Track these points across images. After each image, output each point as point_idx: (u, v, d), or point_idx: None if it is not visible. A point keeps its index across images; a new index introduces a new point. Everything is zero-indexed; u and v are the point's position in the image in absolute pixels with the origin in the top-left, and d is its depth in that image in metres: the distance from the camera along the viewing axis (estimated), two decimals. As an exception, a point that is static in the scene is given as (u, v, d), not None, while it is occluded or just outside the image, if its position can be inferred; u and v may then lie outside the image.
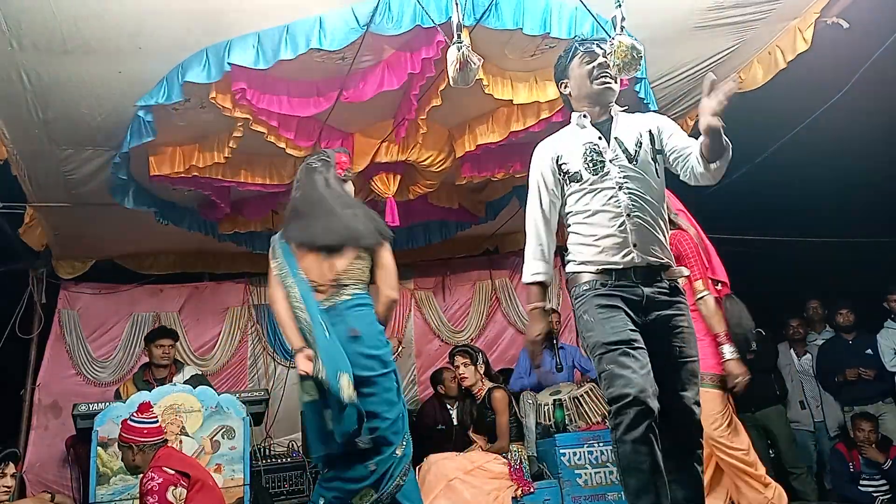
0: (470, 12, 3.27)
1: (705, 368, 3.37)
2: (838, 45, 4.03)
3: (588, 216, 2.38)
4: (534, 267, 2.47)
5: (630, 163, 2.39)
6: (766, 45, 4.14)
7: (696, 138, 2.30)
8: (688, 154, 2.33)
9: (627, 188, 2.36)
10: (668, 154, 2.43)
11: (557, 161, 2.46)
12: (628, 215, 2.34)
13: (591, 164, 2.39)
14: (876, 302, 5.90)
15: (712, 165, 2.23)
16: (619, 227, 2.34)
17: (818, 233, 6.29)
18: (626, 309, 2.28)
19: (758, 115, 5.02)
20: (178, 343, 5.50)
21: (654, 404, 2.14)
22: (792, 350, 6.11)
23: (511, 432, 4.55)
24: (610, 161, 2.39)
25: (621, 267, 2.32)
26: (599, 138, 2.43)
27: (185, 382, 4.85)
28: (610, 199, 2.35)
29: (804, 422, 5.94)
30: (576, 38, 2.60)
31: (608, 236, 2.34)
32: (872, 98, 4.60)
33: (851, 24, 3.90)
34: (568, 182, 2.43)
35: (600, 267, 2.33)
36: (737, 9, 3.76)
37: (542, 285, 2.47)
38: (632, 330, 2.25)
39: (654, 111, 3.90)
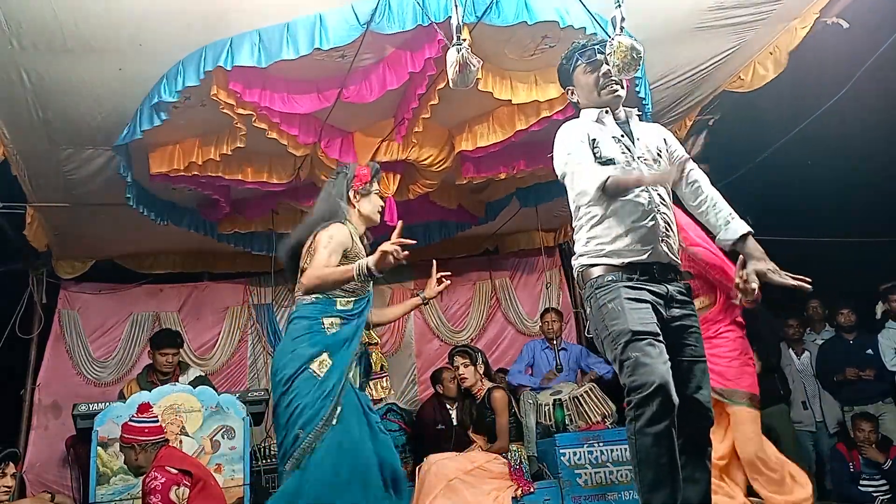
0: (471, 11, 3.27)
1: (742, 387, 3.36)
2: (838, 45, 4.03)
3: (616, 210, 2.34)
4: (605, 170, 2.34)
5: (654, 163, 2.41)
6: (767, 46, 4.14)
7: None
8: (695, 186, 2.45)
9: (654, 186, 2.37)
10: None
11: (591, 142, 2.41)
12: (658, 210, 2.35)
13: (622, 155, 2.39)
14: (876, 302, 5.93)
15: None
16: (650, 220, 2.33)
17: (818, 233, 6.28)
18: (653, 304, 2.28)
19: (758, 114, 5.03)
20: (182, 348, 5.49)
21: (676, 398, 2.13)
22: (790, 350, 6.11)
23: (511, 432, 4.54)
24: (637, 158, 2.39)
25: (646, 262, 2.31)
26: (622, 136, 2.43)
27: (188, 384, 4.85)
28: (640, 193, 2.34)
29: (806, 422, 5.94)
30: (575, 45, 2.57)
31: (637, 229, 2.32)
32: (873, 98, 4.60)
33: (851, 24, 3.90)
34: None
35: (626, 260, 2.31)
36: (737, 9, 3.75)
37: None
38: (657, 324, 2.25)
39: (649, 111, 3.94)
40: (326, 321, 2.71)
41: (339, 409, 2.60)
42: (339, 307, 2.76)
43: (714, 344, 3.35)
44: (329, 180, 3.04)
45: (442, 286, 3.20)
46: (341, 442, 2.57)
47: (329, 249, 2.69)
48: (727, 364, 3.39)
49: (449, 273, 3.22)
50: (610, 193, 2.27)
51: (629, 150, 2.40)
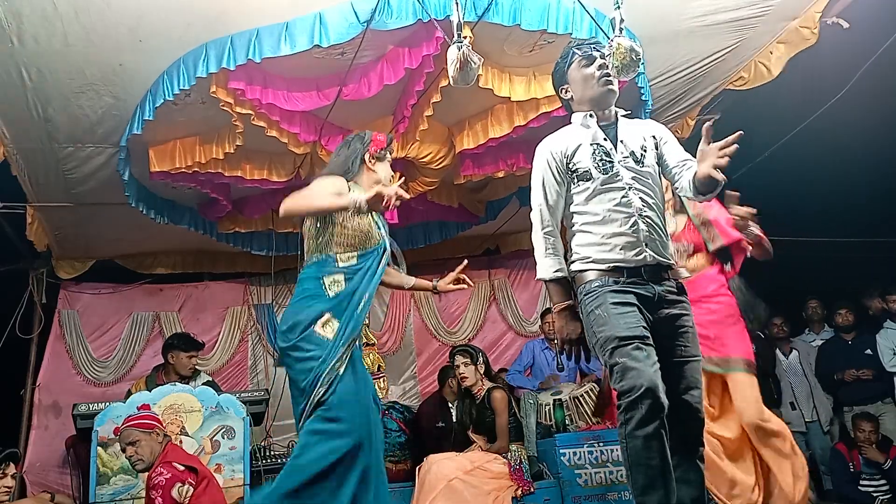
0: (471, 9, 3.28)
1: (738, 354, 3.33)
2: (838, 45, 4.03)
3: (599, 216, 2.37)
4: (550, 263, 2.43)
5: (637, 165, 2.42)
6: (767, 45, 4.14)
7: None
8: (683, 171, 2.41)
9: (637, 189, 2.39)
10: (664, 164, 2.49)
11: (566, 159, 2.45)
12: (640, 215, 2.36)
13: (600, 164, 2.40)
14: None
15: (701, 198, 2.37)
16: (632, 226, 2.35)
17: (818, 233, 6.29)
18: (639, 306, 2.29)
19: (758, 114, 5.03)
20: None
21: (665, 400, 2.14)
22: (777, 349, 6.11)
23: (511, 432, 4.54)
24: (618, 162, 2.40)
25: (633, 265, 2.33)
26: (605, 140, 2.44)
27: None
28: (621, 199, 2.36)
29: (795, 422, 5.90)
30: (571, 42, 2.59)
31: (620, 235, 2.34)
32: (873, 98, 4.60)
33: (852, 24, 3.91)
34: (576, 181, 2.43)
35: (612, 265, 2.33)
36: (735, 3, 3.75)
37: (564, 281, 2.44)
38: (644, 327, 2.25)
39: (650, 109, 3.93)
40: (327, 280, 2.68)
41: (344, 363, 2.59)
42: (340, 264, 2.71)
43: (710, 310, 3.33)
44: (341, 144, 3.01)
45: (457, 287, 3.20)
46: (353, 390, 2.59)
47: (319, 186, 2.65)
48: (724, 329, 3.35)
49: (468, 286, 3.21)
50: None
51: (609, 156, 2.41)
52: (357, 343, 2.72)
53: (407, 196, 2.48)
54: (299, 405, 2.63)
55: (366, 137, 2.95)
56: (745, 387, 3.31)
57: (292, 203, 2.60)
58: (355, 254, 2.73)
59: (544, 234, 2.46)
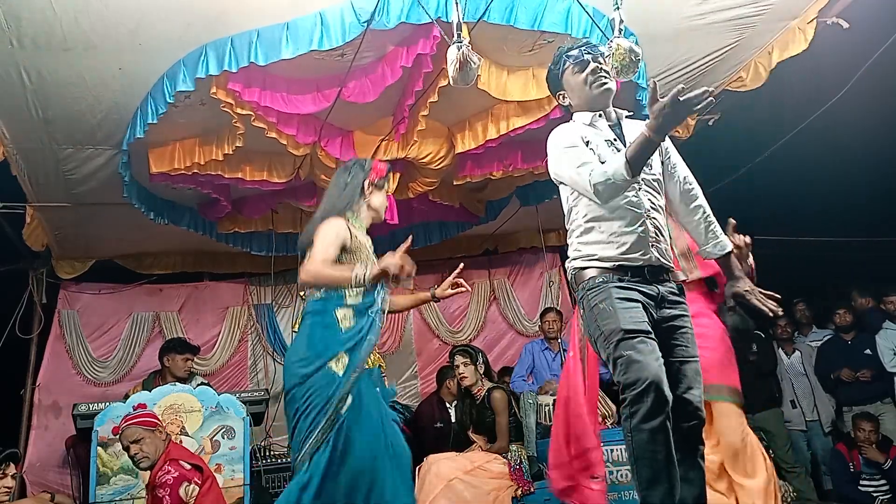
0: (470, 10, 3.27)
1: (727, 382, 3.19)
2: (838, 45, 4.03)
3: (608, 213, 2.35)
4: (616, 158, 2.23)
5: (646, 166, 2.39)
6: (767, 45, 4.14)
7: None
8: (690, 194, 2.50)
9: (646, 189, 2.38)
10: (668, 175, 2.49)
11: (585, 144, 2.40)
12: (648, 216, 2.36)
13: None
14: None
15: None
16: (640, 225, 2.34)
17: (818, 233, 6.29)
18: (644, 304, 2.28)
19: (758, 114, 5.03)
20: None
21: (669, 393, 2.14)
22: (780, 349, 6.13)
23: (511, 432, 4.54)
24: None
25: (638, 264, 2.33)
26: (615, 139, 2.43)
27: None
28: (631, 198, 2.35)
29: (796, 421, 5.96)
30: (561, 48, 2.57)
31: (628, 233, 2.33)
32: (873, 98, 4.60)
33: (851, 24, 3.90)
34: None
35: (617, 263, 2.32)
36: (734, 2, 3.75)
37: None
38: (647, 323, 2.25)
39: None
40: (339, 313, 2.71)
41: (350, 397, 2.62)
42: (349, 301, 2.75)
43: (698, 333, 3.27)
44: (342, 170, 3.03)
45: (455, 291, 3.19)
46: (360, 425, 2.62)
47: (326, 242, 2.69)
48: (709, 354, 3.28)
49: (466, 289, 3.20)
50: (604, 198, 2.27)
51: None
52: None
53: (414, 270, 2.51)
54: (294, 436, 2.66)
55: (366, 165, 2.98)
56: (731, 415, 3.20)
57: (312, 274, 2.63)
58: (362, 292, 2.76)
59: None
